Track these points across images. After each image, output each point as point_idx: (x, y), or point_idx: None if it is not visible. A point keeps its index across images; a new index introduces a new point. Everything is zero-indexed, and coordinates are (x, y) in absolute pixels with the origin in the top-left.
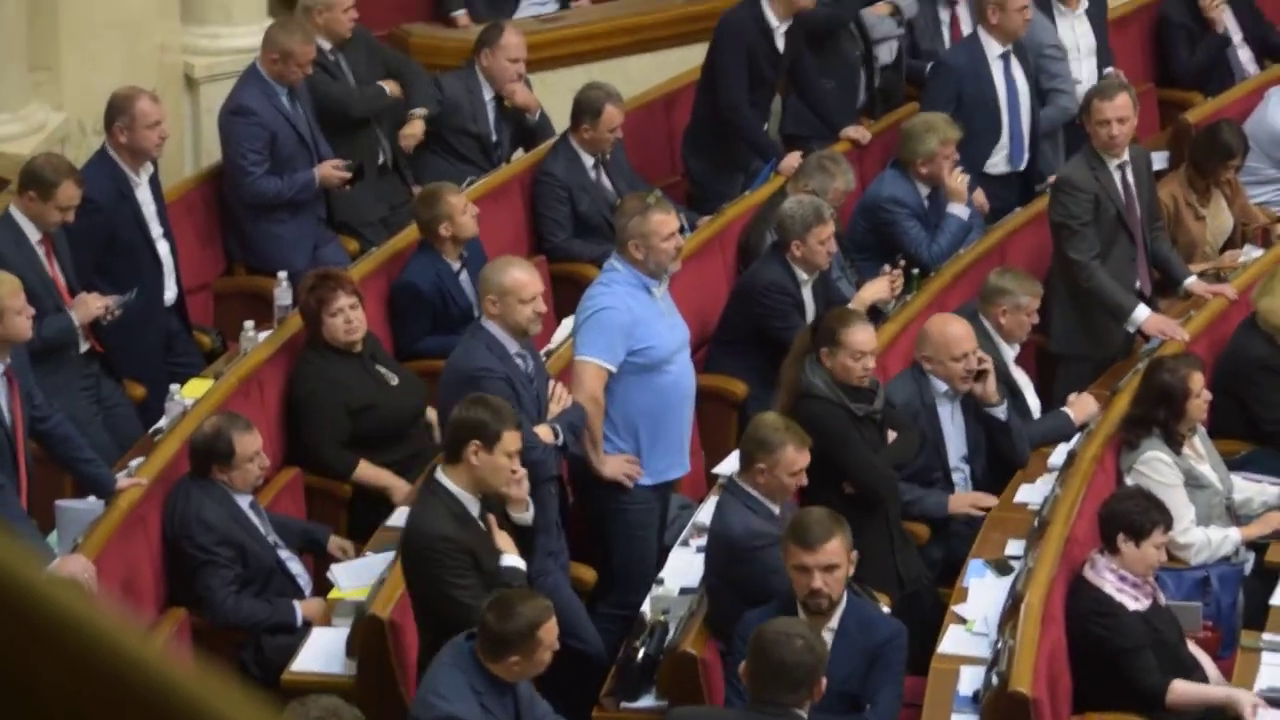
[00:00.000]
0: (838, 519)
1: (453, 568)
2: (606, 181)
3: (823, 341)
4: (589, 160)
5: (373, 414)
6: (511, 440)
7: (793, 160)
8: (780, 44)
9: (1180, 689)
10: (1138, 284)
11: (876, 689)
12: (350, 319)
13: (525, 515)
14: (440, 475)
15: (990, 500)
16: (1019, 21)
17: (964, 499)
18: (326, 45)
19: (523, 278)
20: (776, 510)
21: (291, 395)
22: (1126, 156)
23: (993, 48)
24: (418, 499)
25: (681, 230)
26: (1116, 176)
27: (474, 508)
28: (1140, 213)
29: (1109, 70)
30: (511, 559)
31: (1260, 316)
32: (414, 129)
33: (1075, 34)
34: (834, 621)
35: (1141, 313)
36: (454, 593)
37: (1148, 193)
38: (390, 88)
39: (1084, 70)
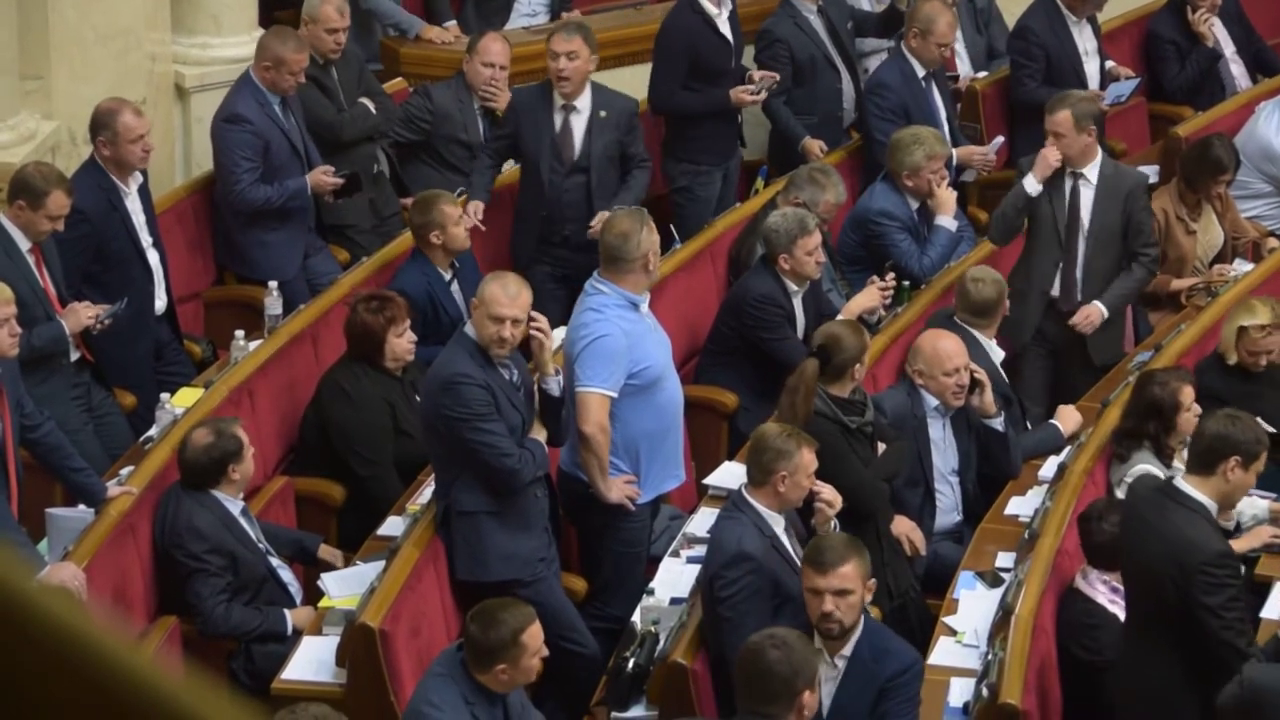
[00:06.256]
0: (857, 546)
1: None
2: None
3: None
4: None
5: (403, 442)
6: None
7: (813, 146)
8: (726, 30)
9: None
10: (1053, 290)
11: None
12: (413, 338)
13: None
14: None
15: (920, 540)
16: (936, 54)
17: (905, 524)
18: (319, 60)
19: (499, 294)
20: (780, 525)
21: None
22: (1086, 171)
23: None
24: None
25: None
26: (1066, 185)
27: None
28: (1089, 230)
29: (1110, 64)
30: None
31: (1221, 342)
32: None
33: (1083, 39)
34: (847, 648)
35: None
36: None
37: (1117, 216)
38: (371, 105)
39: (1091, 68)
